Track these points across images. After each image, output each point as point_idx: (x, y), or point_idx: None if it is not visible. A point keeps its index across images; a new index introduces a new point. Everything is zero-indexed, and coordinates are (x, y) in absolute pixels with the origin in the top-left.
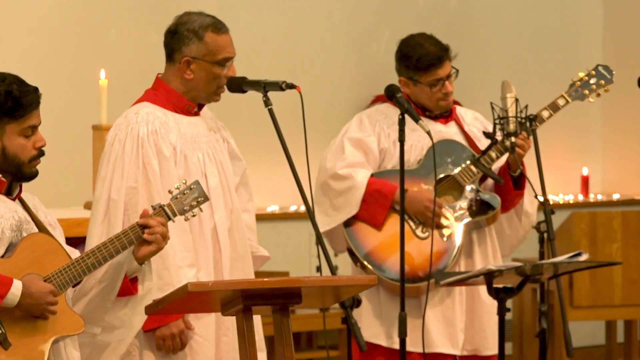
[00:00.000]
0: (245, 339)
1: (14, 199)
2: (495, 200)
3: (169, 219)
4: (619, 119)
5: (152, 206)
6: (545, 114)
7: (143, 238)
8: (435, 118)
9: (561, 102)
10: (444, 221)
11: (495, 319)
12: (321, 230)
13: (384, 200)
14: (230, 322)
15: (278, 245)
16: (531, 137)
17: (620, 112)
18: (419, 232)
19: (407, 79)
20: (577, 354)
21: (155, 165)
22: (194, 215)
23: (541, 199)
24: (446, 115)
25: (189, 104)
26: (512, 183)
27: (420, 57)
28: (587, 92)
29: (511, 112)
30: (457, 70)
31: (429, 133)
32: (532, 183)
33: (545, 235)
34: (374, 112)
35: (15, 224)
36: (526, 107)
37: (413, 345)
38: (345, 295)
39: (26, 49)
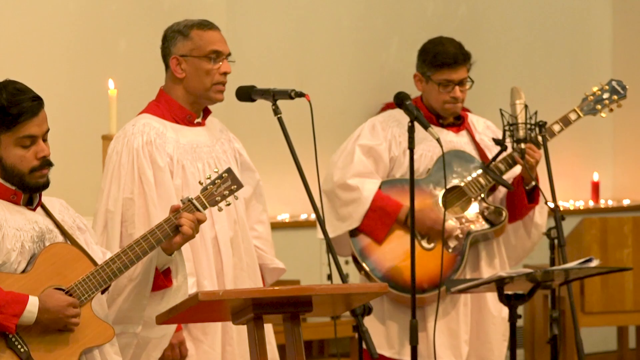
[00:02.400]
0: (257, 347)
1: (34, 209)
2: (502, 212)
3: (199, 211)
4: (629, 124)
5: (181, 200)
6: (556, 127)
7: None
8: (447, 126)
9: (573, 116)
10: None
11: (501, 330)
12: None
13: (386, 219)
14: (235, 331)
15: (289, 254)
16: (541, 147)
17: (630, 117)
18: (424, 243)
19: (421, 75)
20: None
21: (150, 175)
22: (228, 204)
23: (552, 205)
24: (458, 124)
25: (190, 114)
26: (525, 196)
27: (437, 54)
28: (599, 106)
29: (520, 119)
30: (473, 81)
31: (438, 140)
32: (542, 191)
33: (556, 241)
34: (387, 118)
35: (36, 235)
36: (535, 113)
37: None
38: (356, 303)
39: (36, 59)
